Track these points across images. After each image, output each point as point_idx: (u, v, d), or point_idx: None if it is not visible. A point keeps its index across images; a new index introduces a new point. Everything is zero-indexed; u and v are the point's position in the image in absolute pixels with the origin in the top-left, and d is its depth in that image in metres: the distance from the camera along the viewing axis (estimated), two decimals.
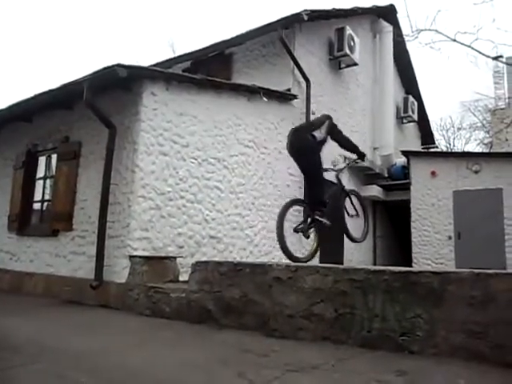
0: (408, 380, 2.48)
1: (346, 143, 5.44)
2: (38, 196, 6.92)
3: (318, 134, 4.81)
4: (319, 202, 4.82)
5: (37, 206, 6.95)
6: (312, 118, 8.30)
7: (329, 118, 5.08)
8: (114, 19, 48.52)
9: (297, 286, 3.60)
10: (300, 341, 3.42)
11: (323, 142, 4.91)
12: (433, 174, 9.93)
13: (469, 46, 8.62)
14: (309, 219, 4.87)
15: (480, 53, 8.74)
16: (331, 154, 9.20)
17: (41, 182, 6.91)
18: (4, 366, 2.66)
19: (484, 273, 2.93)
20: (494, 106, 20.17)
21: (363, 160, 5.82)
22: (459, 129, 24.69)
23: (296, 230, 4.88)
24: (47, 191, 6.82)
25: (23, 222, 6.86)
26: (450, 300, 2.96)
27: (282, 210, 4.74)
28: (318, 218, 4.78)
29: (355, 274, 3.36)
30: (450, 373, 2.62)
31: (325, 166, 5.00)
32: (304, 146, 4.73)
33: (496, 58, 10.03)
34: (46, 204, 6.81)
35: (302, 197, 8.01)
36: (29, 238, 6.64)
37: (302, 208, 5.29)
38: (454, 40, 8.50)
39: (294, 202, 5.11)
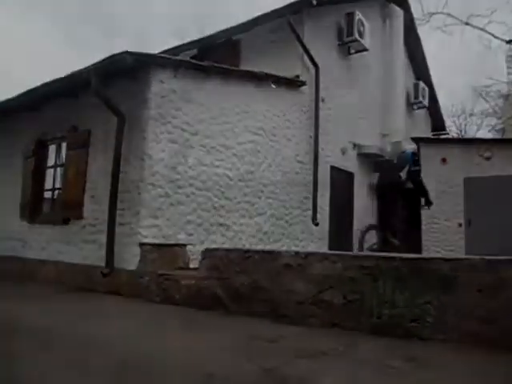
0: (416, 366, 2.48)
1: (420, 186, 7.20)
2: (48, 184, 6.98)
3: (403, 175, 6.54)
4: (394, 227, 6.70)
5: (48, 194, 7.01)
6: (321, 105, 8.25)
7: (408, 161, 7.02)
8: (121, 6, 48.30)
9: (306, 272, 3.61)
10: (309, 327, 3.44)
11: (405, 182, 6.67)
12: (443, 160, 9.81)
13: (482, 29, 8.44)
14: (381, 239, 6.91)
15: (493, 36, 8.55)
16: (341, 142, 9.18)
17: (51, 170, 6.96)
18: (16, 352, 2.71)
19: (494, 260, 2.91)
20: (506, 91, 19.82)
21: (429, 207, 7.94)
22: (471, 115, 24.32)
23: (371, 250, 6.53)
24: (58, 180, 6.87)
25: (34, 211, 6.93)
26: (461, 286, 2.95)
27: (361, 235, 6.93)
28: (390, 239, 6.66)
29: (365, 261, 3.35)
30: (458, 358, 2.62)
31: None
32: (394, 184, 6.56)
33: (510, 42, 9.82)
34: (56, 192, 6.87)
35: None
36: (40, 226, 6.71)
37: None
38: (467, 23, 8.33)
39: (370, 227, 7.43)
